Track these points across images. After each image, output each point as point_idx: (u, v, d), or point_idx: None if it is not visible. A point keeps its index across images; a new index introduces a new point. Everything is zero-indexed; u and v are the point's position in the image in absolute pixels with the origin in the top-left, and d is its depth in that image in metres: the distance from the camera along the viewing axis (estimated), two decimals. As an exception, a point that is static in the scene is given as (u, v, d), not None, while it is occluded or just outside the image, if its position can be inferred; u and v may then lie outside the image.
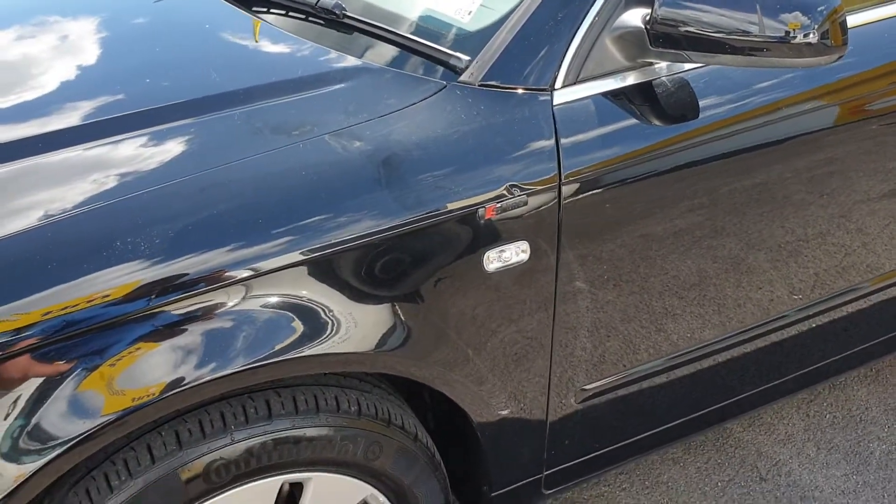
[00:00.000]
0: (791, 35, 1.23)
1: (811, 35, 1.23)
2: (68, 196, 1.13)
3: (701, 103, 1.40)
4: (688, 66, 1.38)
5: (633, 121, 1.36)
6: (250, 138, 1.22)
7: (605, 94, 1.34)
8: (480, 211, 1.23)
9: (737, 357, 1.69)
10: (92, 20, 1.65)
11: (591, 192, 1.32)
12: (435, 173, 1.21)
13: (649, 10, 1.29)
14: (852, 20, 1.41)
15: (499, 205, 1.24)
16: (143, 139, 1.22)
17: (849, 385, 2.28)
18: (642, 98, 1.37)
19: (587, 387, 1.49)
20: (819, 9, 1.23)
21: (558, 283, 1.34)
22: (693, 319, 1.59)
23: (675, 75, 1.39)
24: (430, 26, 1.40)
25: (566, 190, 1.29)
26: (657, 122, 1.37)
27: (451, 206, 1.21)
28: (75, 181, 1.15)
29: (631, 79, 1.36)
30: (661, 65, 1.37)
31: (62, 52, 1.51)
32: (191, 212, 1.12)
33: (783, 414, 2.16)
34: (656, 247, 1.45)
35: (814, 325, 1.78)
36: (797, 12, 1.23)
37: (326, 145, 1.20)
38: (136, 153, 1.20)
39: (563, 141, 1.28)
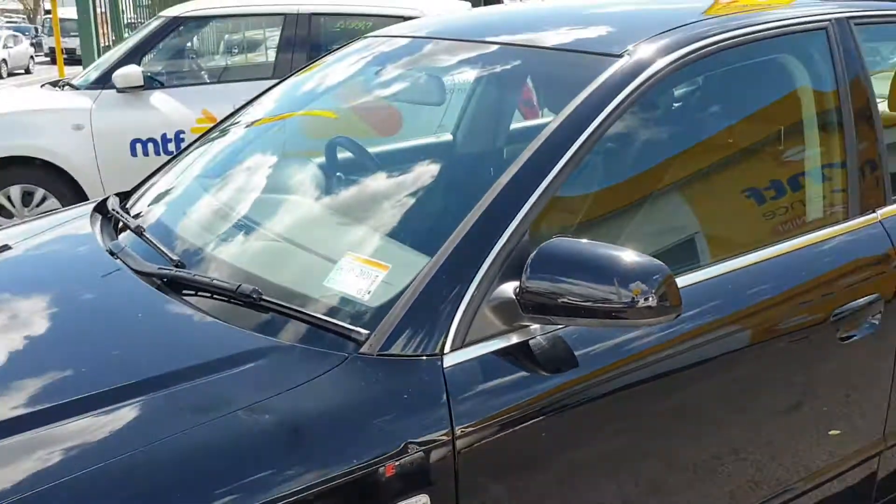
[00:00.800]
0: (636, 300, 1.47)
1: (650, 299, 1.46)
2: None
3: (579, 352, 1.61)
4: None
5: (519, 374, 1.54)
6: (172, 419, 1.37)
7: (491, 354, 1.53)
8: (381, 469, 1.37)
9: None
10: (34, 301, 1.84)
11: (485, 442, 1.48)
12: (338, 439, 1.37)
13: (518, 284, 1.53)
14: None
15: (397, 462, 1.39)
16: (76, 424, 1.36)
17: None
18: (524, 354, 1.57)
19: None
20: (654, 277, 1.48)
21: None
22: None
23: (550, 333, 1.60)
24: (335, 305, 1.61)
25: (460, 443, 1.45)
26: (542, 374, 1.57)
27: (353, 468, 1.35)
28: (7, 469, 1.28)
29: (513, 339, 1.56)
30: (537, 326, 1.59)
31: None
32: (116, 490, 1.25)
33: None
34: (558, 483, 1.59)
35: None
36: (638, 281, 1.47)
37: (239, 421, 1.36)
38: (72, 435, 1.35)
39: (453, 398, 1.46)
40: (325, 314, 1.58)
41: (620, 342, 1.65)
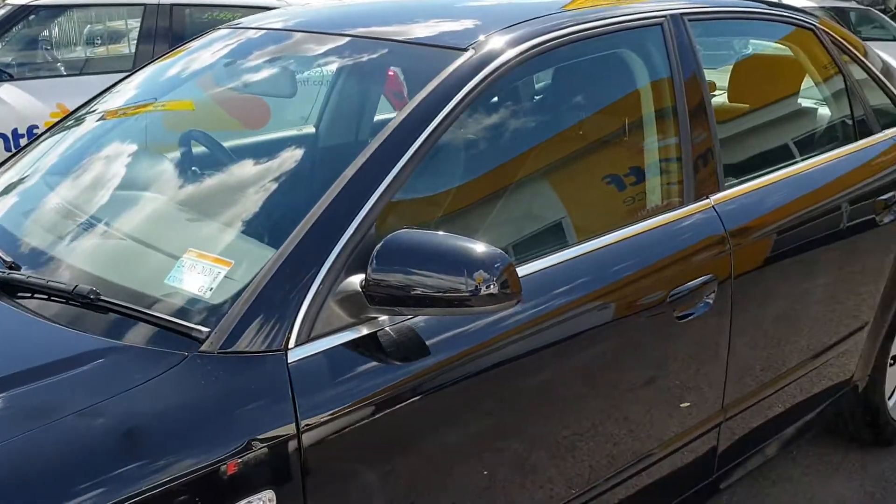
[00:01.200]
0: (479, 288, 1.50)
1: (492, 287, 1.50)
2: None
3: (432, 340, 1.63)
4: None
5: (369, 366, 1.55)
6: (5, 423, 1.31)
7: (338, 347, 1.53)
8: (223, 468, 1.35)
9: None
10: None
11: (333, 435, 1.48)
12: (175, 440, 1.34)
13: (365, 276, 1.54)
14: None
15: (240, 460, 1.37)
16: None
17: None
18: (373, 346, 1.58)
19: None
20: (496, 266, 1.51)
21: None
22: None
23: (400, 324, 1.62)
24: (175, 303, 1.58)
25: (306, 437, 1.44)
26: (393, 364, 1.58)
27: (193, 469, 1.33)
28: None
29: (361, 331, 1.57)
30: (385, 317, 1.60)
31: None
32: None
33: None
34: (415, 472, 1.61)
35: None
36: (480, 270, 1.51)
37: (70, 426, 1.31)
38: None
39: (299, 393, 1.45)
40: (164, 313, 1.54)
41: (473, 328, 1.68)
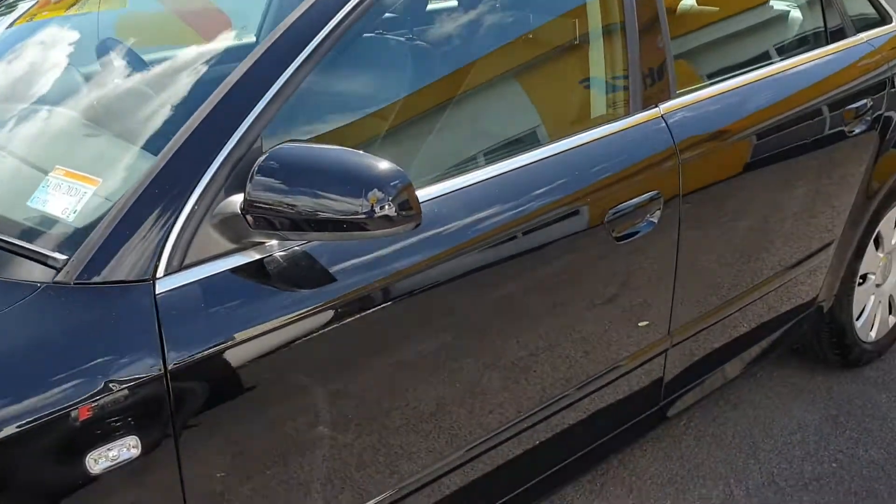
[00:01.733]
0: (373, 210, 1.32)
1: (388, 207, 1.32)
2: None
3: (334, 268, 1.46)
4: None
5: (252, 298, 1.38)
6: None
7: (216, 276, 1.36)
8: (74, 413, 1.20)
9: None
10: None
11: (209, 374, 1.32)
12: (21, 383, 1.18)
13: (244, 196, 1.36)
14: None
15: (96, 404, 1.22)
16: None
17: (575, 502, 2.36)
18: (260, 274, 1.41)
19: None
20: (393, 184, 1.33)
21: (183, 472, 1.32)
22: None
23: (294, 249, 1.44)
24: (35, 227, 1.40)
25: (175, 378, 1.29)
26: (284, 293, 1.41)
27: (40, 414, 1.18)
28: None
29: (245, 258, 1.40)
30: (274, 242, 1.43)
31: None
32: None
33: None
34: (304, 412, 1.47)
35: (538, 439, 1.89)
36: (375, 189, 1.32)
37: None
38: None
39: (167, 328, 1.29)
40: (20, 238, 1.37)
41: (378, 257, 1.51)
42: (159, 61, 1.91)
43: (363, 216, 1.32)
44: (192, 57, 1.95)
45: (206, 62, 1.75)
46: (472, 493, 1.81)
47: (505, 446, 1.83)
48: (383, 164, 1.35)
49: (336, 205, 1.32)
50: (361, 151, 1.37)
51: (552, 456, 1.98)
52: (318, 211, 1.32)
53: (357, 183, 1.32)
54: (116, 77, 2.00)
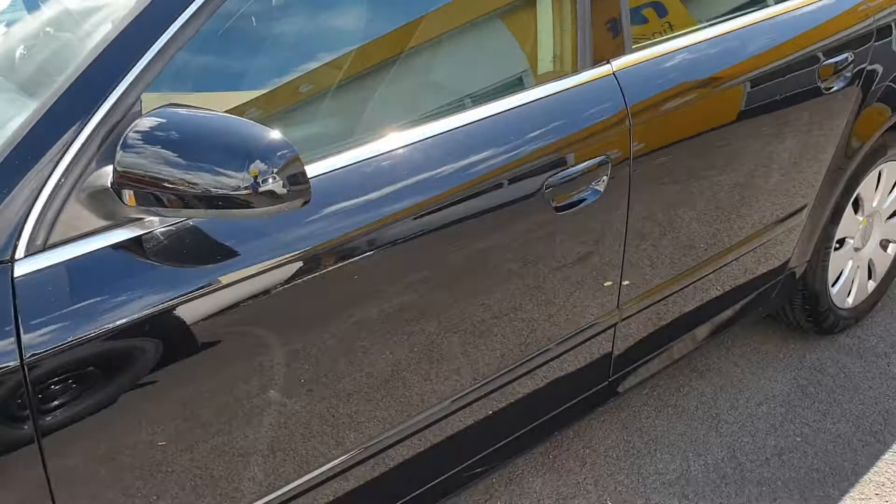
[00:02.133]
0: (256, 184, 1.18)
1: (272, 181, 1.18)
2: None
3: (228, 243, 1.33)
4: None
5: (127, 282, 1.24)
6: None
7: (85, 258, 1.23)
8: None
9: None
10: None
11: (73, 369, 1.20)
12: None
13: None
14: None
15: (-63, 402, 1.10)
16: None
17: (524, 477, 2.27)
18: (138, 255, 1.27)
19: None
20: (279, 153, 1.19)
21: (49, 472, 1.21)
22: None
23: (178, 224, 1.31)
24: None
25: (34, 374, 1.16)
26: (164, 276, 1.27)
27: None
28: None
29: (120, 236, 1.26)
30: (155, 218, 1.29)
31: None
32: None
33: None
34: (188, 408, 1.35)
35: (496, 405, 1.82)
36: (258, 160, 1.18)
37: None
38: None
39: (25, 316, 1.16)
40: None
41: (274, 241, 1.37)
42: (36, 8, 1.76)
43: (245, 191, 1.18)
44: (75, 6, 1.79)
45: (90, 13, 1.59)
46: (420, 465, 1.71)
47: (455, 416, 1.73)
48: (272, 134, 1.20)
49: (210, 178, 1.17)
50: (250, 121, 1.22)
51: (503, 428, 1.88)
52: (191, 185, 1.18)
53: (239, 154, 1.18)
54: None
